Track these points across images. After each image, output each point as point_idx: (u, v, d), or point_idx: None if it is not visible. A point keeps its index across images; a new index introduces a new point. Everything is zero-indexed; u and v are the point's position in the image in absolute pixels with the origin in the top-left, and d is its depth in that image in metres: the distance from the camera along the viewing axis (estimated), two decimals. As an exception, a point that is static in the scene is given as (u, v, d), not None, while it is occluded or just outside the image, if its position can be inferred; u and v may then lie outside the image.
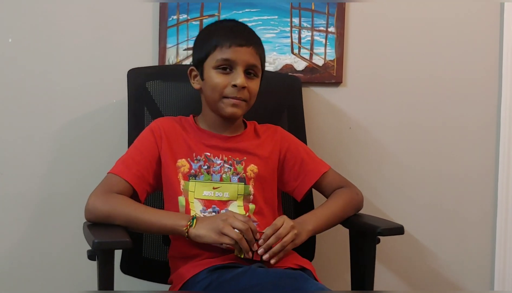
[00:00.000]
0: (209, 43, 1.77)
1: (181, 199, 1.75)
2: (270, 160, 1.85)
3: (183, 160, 1.78)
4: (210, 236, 1.59)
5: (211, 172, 1.78)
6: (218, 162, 1.79)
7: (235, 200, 1.76)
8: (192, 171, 1.77)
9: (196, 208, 1.74)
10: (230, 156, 1.80)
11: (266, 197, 1.81)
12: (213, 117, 1.82)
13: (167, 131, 1.80)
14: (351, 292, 1.85)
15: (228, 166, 1.79)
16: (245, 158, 1.81)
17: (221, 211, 1.74)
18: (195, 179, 1.76)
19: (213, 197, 1.76)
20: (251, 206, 1.77)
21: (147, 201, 1.83)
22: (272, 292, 1.47)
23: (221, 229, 1.58)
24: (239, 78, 1.72)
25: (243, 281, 1.53)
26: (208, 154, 1.80)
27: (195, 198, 1.75)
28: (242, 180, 1.79)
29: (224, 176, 1.78)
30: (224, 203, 1.76)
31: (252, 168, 1.81)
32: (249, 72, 1.76)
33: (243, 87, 1.73)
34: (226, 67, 1.74)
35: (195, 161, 1.78)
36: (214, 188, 1.76)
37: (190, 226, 1.60)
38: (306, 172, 1.88)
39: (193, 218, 1.61)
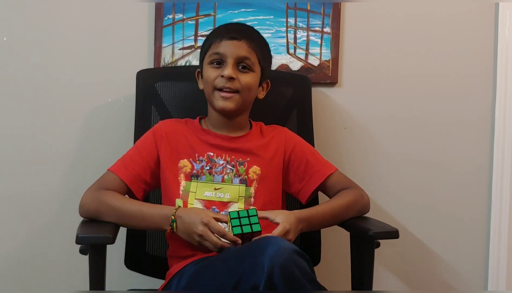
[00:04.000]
0: (206, 43, 1.84)
1: (179, 201, 1.76)
2: (274, 160, 1.86)
3: (185, 160, 1.80)
4: (191, 241, 1.63)
5: (213, 173, 1.79)
6: (221, 162, 1.81)
7: (236, 202, 1.77)
8: (194, 171, 1.79)
9: None
10: (233, 157, 1.82)
11: (269, 199, 1.81)
12: (217, 116, 1.84)
13: (169, 132, 1.83)
14: (350, 292, 1.86)
15: (230, 167, 1.80)
16: (248, 158, 1.82)
17: (221, 213, 1.74)
18: (197, 180, 1.79)
19: (214, 198, 1.77)
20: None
21: (148, 199, 1.89)
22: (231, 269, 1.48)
23: (199, 241, 1.60)
24: (226, 69, 1.76)
25: (217, 265, 1.55)
26: (211, 153, 1.81)
27: (196, 199, 1.76)
28: (243, 181, 1.80)
29: (226, 177, 1.79)
30: (224, 204, 1.77)
31: (255, 170, 1.82)
32: (242, 65, 1.79)
33: (232, 78, 1.76)
34: (218, 61, 1.79)
35: (197, 162, 1.80)
36: (215, 189, 1.78)
37: (172, 229, 1.64)
38: (311, 173, 1.88)
39: (173, 221, 1.63)
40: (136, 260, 1.98)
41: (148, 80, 2.03)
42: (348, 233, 1.87)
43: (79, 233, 1.57)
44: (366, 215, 1.88)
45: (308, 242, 1.96)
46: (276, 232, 1.61)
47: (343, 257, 2.05)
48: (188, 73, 2.06)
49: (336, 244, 2.19)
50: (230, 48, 1.78)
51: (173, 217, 1.63)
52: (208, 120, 1.88)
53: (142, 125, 1.98)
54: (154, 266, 1.97)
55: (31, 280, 2.17)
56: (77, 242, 1.56)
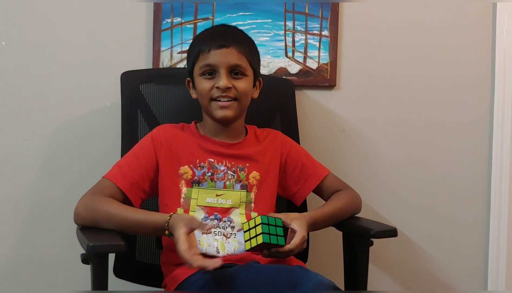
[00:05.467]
0: (193, 52, 1.80)
1: (180, 211, 1.74)
2: (271, 165, 1.86)
3: (186, 166, 1.77)
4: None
5: (215, 179, 1.78)
6: (222, 168, 1.79)
7: (237, 208, 1.76)
8: (196, 177, 1.77)
9: (198, 217, 1.72)
10: (233, 163, 1.80)
11: (268, 204, 1.82)
12: (214, 125, 1.82)
13: (168, 139, 1.80)
14: (345, 292, 1.86)
15: (231, 173, 1.79)
16: (247, 164, 1.81)
17: (223, 219, 1.74)
18: (198, 186, 1.76)
19: (216, 204, 1.75)
20: (253, 215, 1.76)
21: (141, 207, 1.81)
22: (270, 286, 1.47)
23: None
24: (221, 80, 1.73)
25: (241, 276, 1.53)
26: (212, 160, 1.79)
27: (197, 205, 1.74)
28: (244, 187, 1.79)
29: (227, 183, 1.78)
30: (226, 210, 1.75)
31: (255, 175, 1.81)
32: (235, 72, 1.76)
33: (228, 88, 1.74)
34: (210, 72, 1.76)
35: (199, 168, 1.78)
36: (217, 195, 1.76)
37: (170, 237, 1.58)
38: (306, 176, 1.89)
39: (169, 234, 1.57)
40: (125, 268, 1.93)
41: (133, 83, 1.99)
42: (336, 233, 1.88)
43: (89, 241, 1.47)
44: (357, 215, 1.91)
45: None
46: (296, 241, 1.60)
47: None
48: (173, 76, 2.05)
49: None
50: (220, 58, 1.73)
51: (166, 225, 1.57)
52: (204, 127, 1.85)
53: (128, 128, 1.95)
54: (144, 274, 1.94)
55: (26, 284, 2.16)
56: (88, 251, 1.47)
